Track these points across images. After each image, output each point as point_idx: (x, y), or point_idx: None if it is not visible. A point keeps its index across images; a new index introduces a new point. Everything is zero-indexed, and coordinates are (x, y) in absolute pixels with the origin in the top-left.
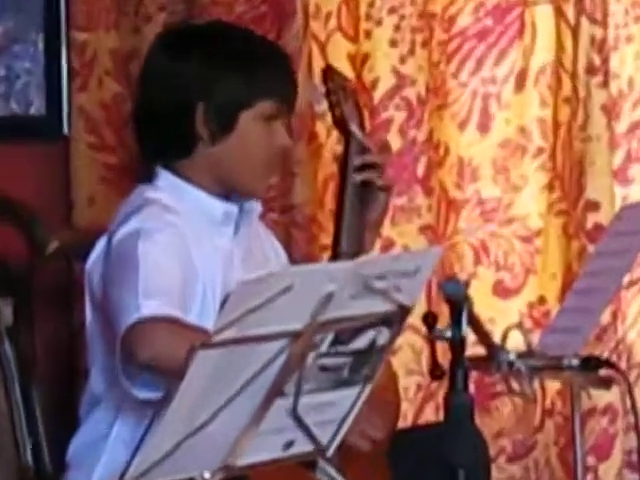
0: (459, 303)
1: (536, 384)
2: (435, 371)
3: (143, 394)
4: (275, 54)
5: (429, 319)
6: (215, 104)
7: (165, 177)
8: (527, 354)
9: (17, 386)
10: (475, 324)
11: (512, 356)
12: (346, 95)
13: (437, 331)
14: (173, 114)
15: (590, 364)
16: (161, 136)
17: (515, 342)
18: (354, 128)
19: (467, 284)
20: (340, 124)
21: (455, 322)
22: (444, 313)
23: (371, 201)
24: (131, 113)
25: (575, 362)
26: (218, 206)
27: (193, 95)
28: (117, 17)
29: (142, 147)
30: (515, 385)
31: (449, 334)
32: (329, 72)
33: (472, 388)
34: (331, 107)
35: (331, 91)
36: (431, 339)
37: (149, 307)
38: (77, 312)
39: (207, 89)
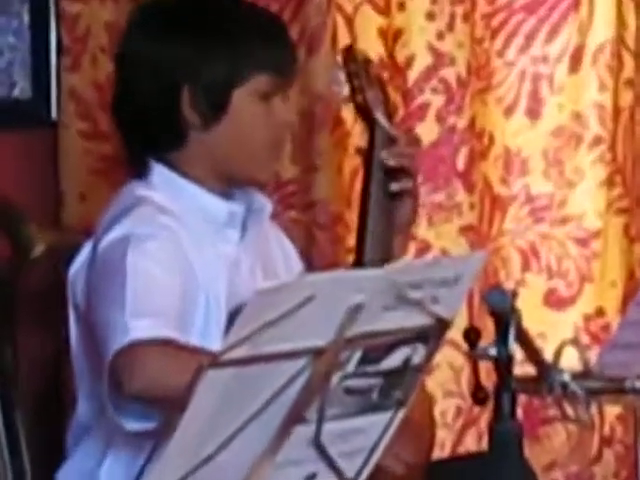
0: (505, 316)
1: (593, 409)
2: (478, 394)
3: (133, 425)
4: (266, 21)
5: (471, 335)
6: (203, 83)
7: (159, 172)
8: (583, 374)
9: None
10: (524, 340)
11: (566, 377)
12: (370, 79)
13: (480, 349)
14: (157, 100)
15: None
16: (147, 126)
17: (570, 360)
18: (379, 115)
19: (514, 294)
20: (363, 111)
21: (501, 338)
22: (488, 327)
23: (398, 200)
24: (111, 102)
25: (639, 384)
26: (221, 206)
27: (177, 76)
28: None
29: (127, 140)
30: (569, 410)
31: (494, 352)
32: (350, 53)
33: (520, 413)
34: (353, 92)
35: (352, 74)
36: (473, 358)
37: (139, 329)
38: (66, 323)
39: (192, 68)
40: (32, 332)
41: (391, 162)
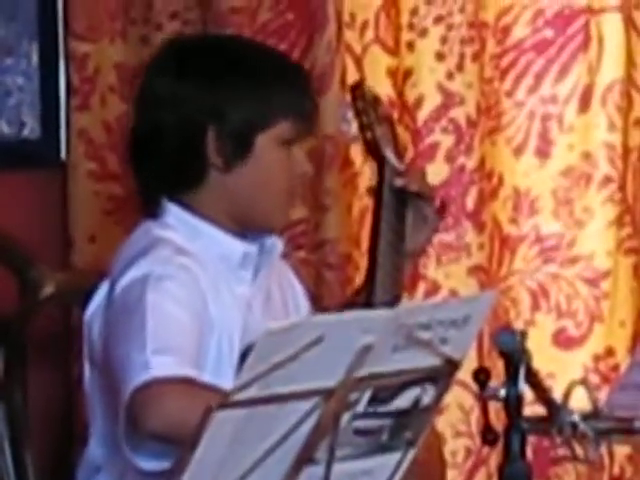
0: (515, 357)
1: (603, 449)
2: (487, 435)
3: (149, 465)
4: (292, 68)
5: (481, 376)
6: (228, 126)
7: (174, 213)
8: (593, 415)
9: (8, 450)
10: (533, 380)
11: (576, 417)
12: (378, 116)
13: (490, 389)
14: (181, 141)
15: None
16: (167, 166)
17: (579, 401)
18: (388, 153)
19: (524, 335)
20: (372, 149)
21: (510, 379)
22: (497, 368)
23: (413, 227)
24: (127, 141)
25: None
26: (237, 246)
27: (203, 118)
28: (123, 25)
29: (142, 179)
30: (579, 450)
31: (503, 393)
32: (358, 89)
33: (529, 453)
34: (362, 129)
35: (361, 111)
36: (483, 398)
37: (160, 366)
38: (76, 365)
39: (218, 110)
40: (42, 373)
41: (412, 187)
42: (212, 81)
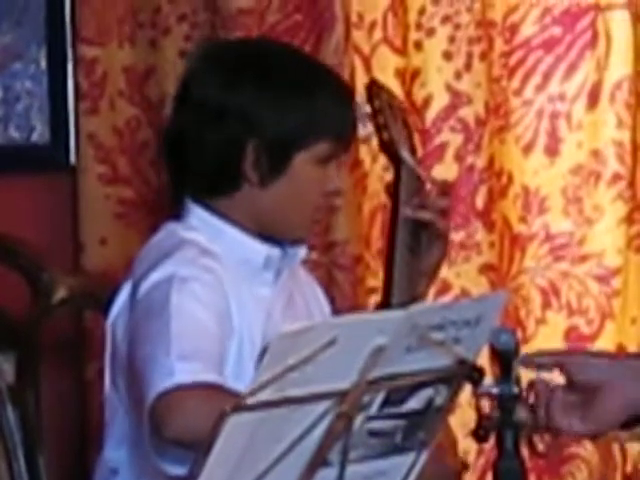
0: (509, 356)
1: (616, 449)
2: (479, 431)
3: (174, 470)
4: (338, 86)
5: (474, 373)
6: (269, 141)
7: (198, 214)
8: None
9: (21, 454)
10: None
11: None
12: (394, 115)
13: (484, 387)
14: (220, 150)
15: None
16: (202, 174)
17: None
18: (405, 154)
19: (515, 333)
20: (388, 149)
21: (504, 376)
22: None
23: (428, 242)
24: (164, 137)
25: None
26: (260, 249)
27: (245, 131)
28: (131, 29)
29: (174, 179)
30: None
31: (496, 390)
32: (374, 88)
33: (543, 450)
34: (377, 129)
35: (377, 111)
36: (476, 396)
37: (184, 372)
38: (88, 369)
39: (261, 125)
40: (54, 377)
41: (414, 214)
42: (257, 95)
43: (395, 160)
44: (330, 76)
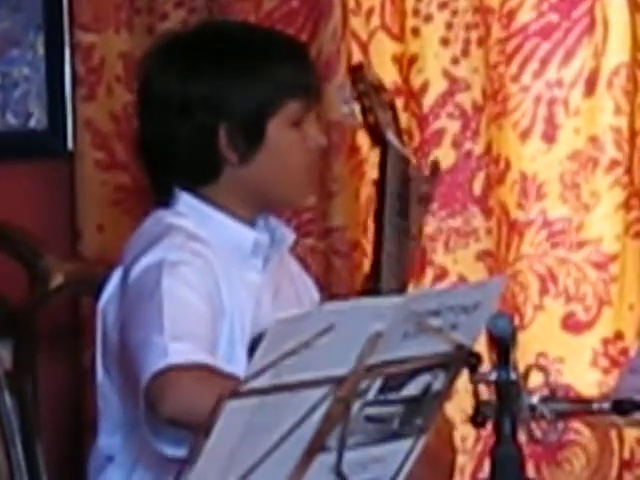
0: (506, 342)
1: (612, 433)
2: (476, 417)
3: (170, 450)
4: (290, 45)
5: (471, 359)
6: (238, 120)
7: (186, 201)
8: (551, 397)
9: (18, 441)
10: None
11: (534, 399)
12: (380, 98)
13: (481, 373)
14: (191, 141)
15: (624, 407)
16: (179, 168)
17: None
18: (391, 137)
19: (512, 319)
20: (374, 132)
21: (502, 363)
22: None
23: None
24: (136, 138)
25: (606, 405)
26: (248, 234)
27: (211, 116)
28: (128, 15)
29: (154, 176)
30: (537, 432)
31: (494, 376)
32: (359, 71)
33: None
34: (363, 113)
35: (362, 94)
36: (474, 381)
37: (178, 352)
38: (86, 355)
39: (226, 105)
40: (52, 363)
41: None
42: (215, 76)
43: (381, 143)
44: (276, 37)
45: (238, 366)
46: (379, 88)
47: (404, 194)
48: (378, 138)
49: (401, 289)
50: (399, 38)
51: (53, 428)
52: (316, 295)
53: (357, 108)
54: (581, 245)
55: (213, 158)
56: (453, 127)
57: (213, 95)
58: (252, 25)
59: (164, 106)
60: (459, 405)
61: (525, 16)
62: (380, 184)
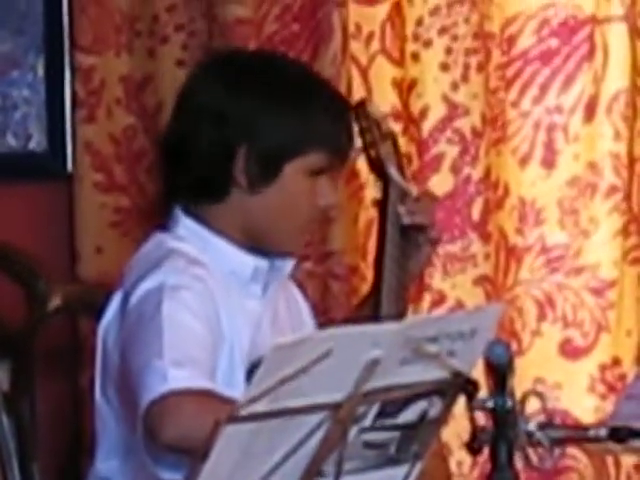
0: (504, 369)
1: (610, 461)
2: (473, 444)
3: (169, 475)
4: (333, 99)
5: (469, 386)
6: (260, 148)
7: (186, 225)
8: (548, 424)
9: (15, 463)
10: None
11: (532, 426)
12: (382, 134)
13: (478, 400)
14: (211, 155)
15: (620, 434)
16: (193, 176)
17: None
18: (392, 171)
19: (509, 347)
20: (376, 166)
21: (499, 390)
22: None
23: (414, 252)
24: (161, 144)
25: (603, 432)
26: (248, 261)
27: (238, 135)
28: (128, 38)
29: (166, 183)
30: (534, 458)
31: (491, 403)
32: (362, 108)
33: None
34: (365, 147)
35: (364, 129)
36: (471, 408)
37: (178, 378)
38: (83, 377)
39: (254, 130)
40: (49, 385)
41: (406, 220)
42: (254, 101)
43: (383, 177)
44: (327, 89)
45: (237, 391)
46: (381, 122)
47: (404, 229)
48: (380, 172)
49: (399, 318)
50: (399, 63)
51: (50, 450)
52: (310, 321)
53: (359, 142)
54: (579, 271)
55: (225, 176)
56: (452, 152)
57: (248, 115)
58: (309, 71)
59: (200, 112)
60: (456, 430)
61: (525, 41)
62: (381, 217)
